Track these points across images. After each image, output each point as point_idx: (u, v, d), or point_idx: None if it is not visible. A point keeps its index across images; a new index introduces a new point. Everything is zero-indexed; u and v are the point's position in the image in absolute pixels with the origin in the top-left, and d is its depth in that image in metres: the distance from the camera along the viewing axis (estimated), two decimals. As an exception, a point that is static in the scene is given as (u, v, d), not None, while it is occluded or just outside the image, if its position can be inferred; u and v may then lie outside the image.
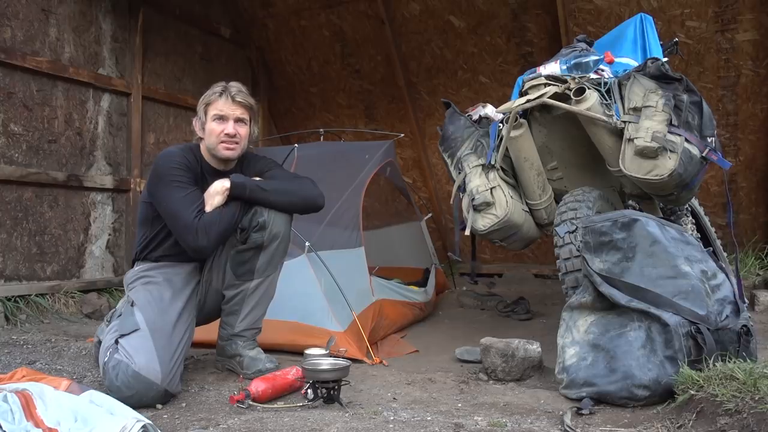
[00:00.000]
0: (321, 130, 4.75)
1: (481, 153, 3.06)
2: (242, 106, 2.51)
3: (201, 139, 2.55)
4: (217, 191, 2.43)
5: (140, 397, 2.15)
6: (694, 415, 1.86)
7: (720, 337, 2.13)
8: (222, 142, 2.49)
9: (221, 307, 2.62)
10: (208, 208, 2.41)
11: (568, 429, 1.92)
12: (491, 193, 2.96)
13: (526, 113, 2.95)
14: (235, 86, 2.54)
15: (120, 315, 2.41)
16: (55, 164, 4.21)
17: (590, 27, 4.82)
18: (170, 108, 5.17)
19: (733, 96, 4.75)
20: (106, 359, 2.24)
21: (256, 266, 2.54)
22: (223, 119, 2.49)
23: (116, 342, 2.26)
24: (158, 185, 2.45)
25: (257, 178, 2.55)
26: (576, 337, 2.33)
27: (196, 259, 2.54)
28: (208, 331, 2.71)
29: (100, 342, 2.62)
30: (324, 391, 2.20)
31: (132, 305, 2.38)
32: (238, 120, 2.51)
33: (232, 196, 2.44)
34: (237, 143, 2.51)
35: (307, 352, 2.60)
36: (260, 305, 2.60)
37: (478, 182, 2.99)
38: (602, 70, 2.88)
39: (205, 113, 2.52)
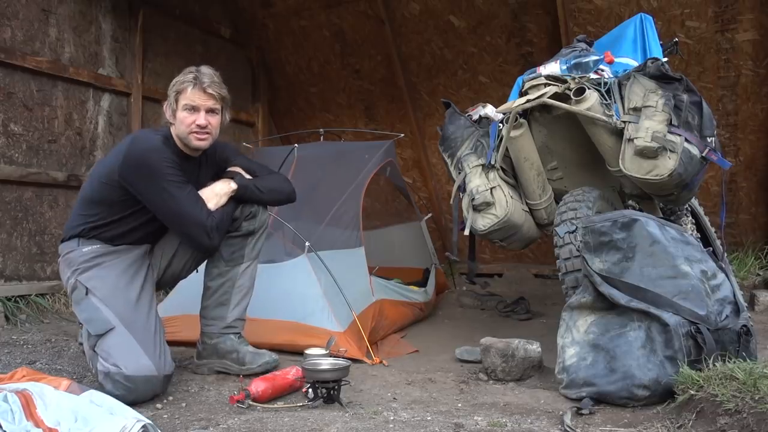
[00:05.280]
0: (321, 130, 4.74)
1: (481, 153, 3.06)
2: (214, 97, 2.44)
3: (171, 123, 2.49)
4: (225, 192, 2.50)
5: (142, 392, 2.19)
6: (694, 415, 1.86)
7: (720, 337, 2.13)
8: (193, 132, 2.44)
9: (203, 304, 2.64)
10: (212, 207, 2.44)
11: (568, 429, 1.92)
12: (491, 193, 2.96)
13: (526, 113, 2.95)
14: (207, 75, 2.45)
15: (82, 307, 2.37)
16: (55, 164, 4.21)
17: (590, 27, 4.82)
18: (170, 108, 5.17)
19: (733, 96, 4.75)
20: (96, 368, 2.27)
21: (245, 251, 2.62)
22: (195, 110, 2.42)
23: (95, 347, 2.26)
24: (150, 182, 2.36)
25: (247, 176, 2.63)
26: (576, 337, 2.33)
27: (153, 242, 2.57)
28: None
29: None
30: (324, 391, 2.20)
31: (87, 294, 2.35)
32: (209, 111, 2.44)
33: (235, 198, 2.53)
34: (208, 134, 2.46)
35: (307, 352, 2.60)
36: (248, 294, 2.65)
37: (478, 182, 2.99)
38: (602, 70, 2.87)
39: (176, 101, 2.45)
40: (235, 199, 2.54)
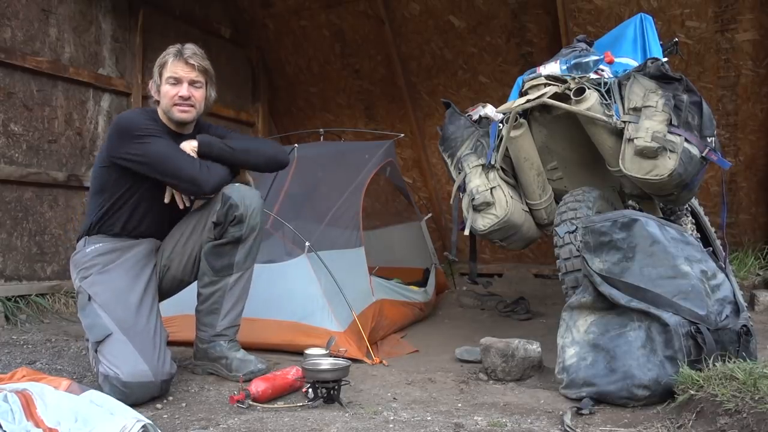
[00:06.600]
0: (321, 130, 4.74)
1: (481, 153, 3.06)
2: (197, 68, 2.49)
3: (157, 102, 2.52)
4: (190, 149, 2.45)
5: (139, 396, 2.18)
6: (694, 415, 1.86)
7: (720, 337, 2.13)
8: (176, 104, 2.46)
9: (197, 307, 2.60)
10: None
11: (568, 429, 1.92)
12: (491, 193, 2.96)
13: (526, 113, 2.95)
14: (189, 48, 2.51)
15: (85, 313, 2.36)
16: (55, 164, 4.21)
17: (590, 27, 4.82)
18: (170, 108, 5.17)
19: (733, 96, 4.75)
20: (95, 369, 2.27)
21: (234, 260, 2.53)
22: (178, 82, 2.46)
23: (97, 350, 2.26)
24: (131, 141, 2.38)
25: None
26: (576, 337, 2.33)
27: (158, 235, 2.54)
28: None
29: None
30: (324, 391, 2.20)
31: (90, 300, 2.34)
32: (192, 82, 2.49)
33: (200, 155, 2.45)
34: (192, 106, 2.49)
35: (307, 352, 2.60)
36: (240, 300, 2.59)
37: (478, 182, 2.99)
38: (602, 70, 2.88)
39: (160, 75, 2.49)
40: (203, 156, 2.46)
